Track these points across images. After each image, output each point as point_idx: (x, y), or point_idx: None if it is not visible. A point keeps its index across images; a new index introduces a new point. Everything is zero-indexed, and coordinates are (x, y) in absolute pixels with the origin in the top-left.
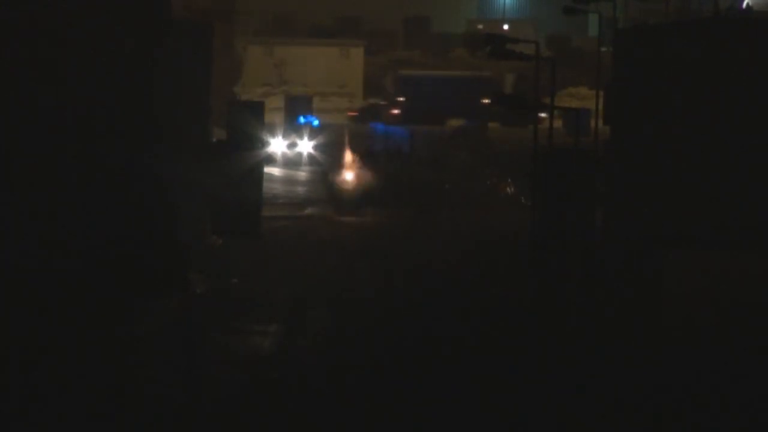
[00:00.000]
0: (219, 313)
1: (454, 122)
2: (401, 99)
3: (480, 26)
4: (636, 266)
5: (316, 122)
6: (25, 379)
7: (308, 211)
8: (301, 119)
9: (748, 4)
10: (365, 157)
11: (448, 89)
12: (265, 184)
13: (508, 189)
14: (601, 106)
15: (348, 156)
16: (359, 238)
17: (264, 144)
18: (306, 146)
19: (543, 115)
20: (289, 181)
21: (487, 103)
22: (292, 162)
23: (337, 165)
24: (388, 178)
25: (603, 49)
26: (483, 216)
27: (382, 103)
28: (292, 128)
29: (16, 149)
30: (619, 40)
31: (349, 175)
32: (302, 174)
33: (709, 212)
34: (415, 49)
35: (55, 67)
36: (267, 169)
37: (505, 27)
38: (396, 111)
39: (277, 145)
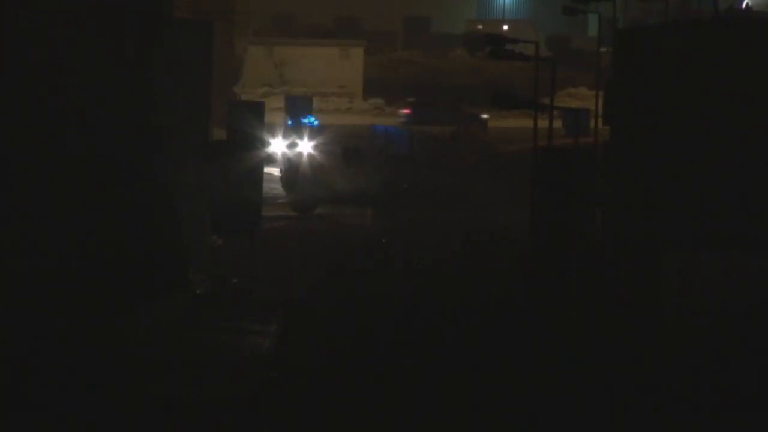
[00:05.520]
0: (219, 313)
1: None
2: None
3: (480, 26)
4: (636, 266)
5: (311, 120)
6: (23, 379)
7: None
8: (289, 122)
9: (747, 4)
10: (342, 157)
11: None
12: (265, 184)
13: None
14: (601, 106)
15: (308, 156)
16: (359, 238)
17: (264, 144)
18: (306, 146)
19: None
20: None
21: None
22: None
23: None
24: (366, 179)
25: (603, 49)
26: (460, 216)
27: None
28: (288, 130)
29: (14, 149)
30: (618, 40)
31: (302, 174)
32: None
33: (710, 212)
34: (415, 49)
35: (53, 67)
36: (267, 169)
37: (505, 27)
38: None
39: (277, 145)
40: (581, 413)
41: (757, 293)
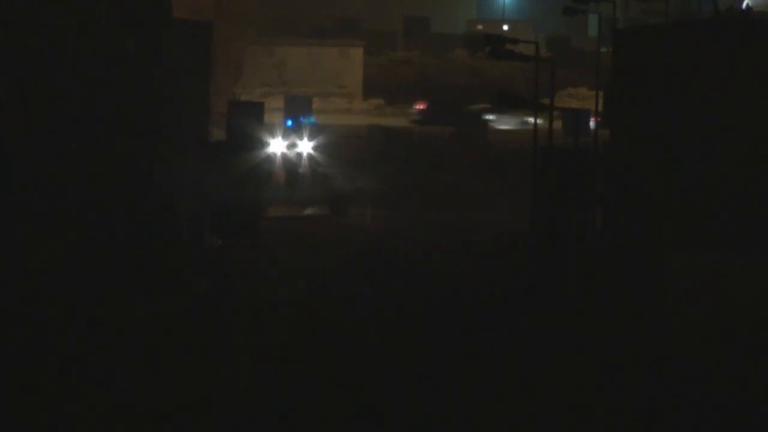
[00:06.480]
0: (218, 313)
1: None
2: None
3: (480, 27)
4: (636, 266)
5: (310, 120)
6: (22, 379)
7: (308, 211)
8: (289, 122)
9: (748, 4)
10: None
11: None
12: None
13: None
14: (600, 107)
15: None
16: (358, 238)
17: (263, 144)
18: (306, 146)
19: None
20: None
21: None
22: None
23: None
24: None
25: (603, 49)
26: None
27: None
28: (287, 130)
29: (16, 149)
30: (617, 40)
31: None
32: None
33: (709, 212)
34: (415, 49)
35: (54, 67)
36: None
37: (505, 27)
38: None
39: (276, 145)
40: (580, 411)
41: (756, 293)
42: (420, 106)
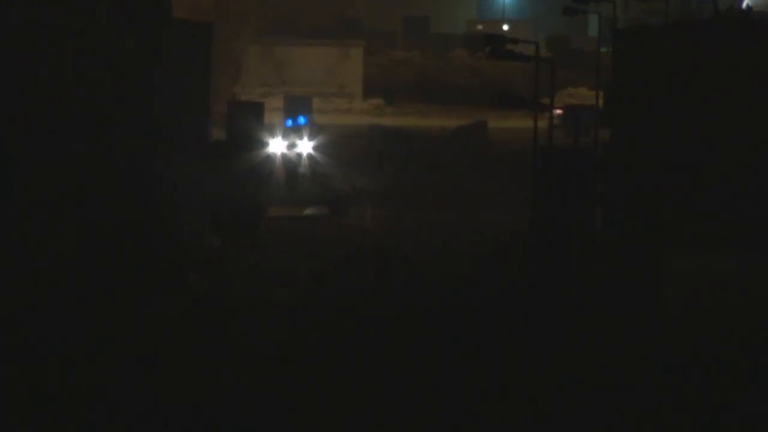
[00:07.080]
0: (218, 313)
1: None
2: None
3: (480, 27)
4: (636, 266)
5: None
6: (22, 380)
7: (308, 211)
8: (289, 122)
9: (748, 4)
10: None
11: None
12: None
13: None
14: (601, 106)
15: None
16: (358, 238)
17: (263, 144)
18: (306, 146)
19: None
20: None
21: None
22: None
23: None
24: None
25: (603, 49)
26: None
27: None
28: (287, 130)
29: (16, 149)
30: (618, 40)
31: None
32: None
33: (710, 212)
34: (415, 49)
35: (54, 67)
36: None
37: (505, 27)
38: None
39: (276, 145)
40: (580, 411)
41: (756, 293)
42: (558, 112)
